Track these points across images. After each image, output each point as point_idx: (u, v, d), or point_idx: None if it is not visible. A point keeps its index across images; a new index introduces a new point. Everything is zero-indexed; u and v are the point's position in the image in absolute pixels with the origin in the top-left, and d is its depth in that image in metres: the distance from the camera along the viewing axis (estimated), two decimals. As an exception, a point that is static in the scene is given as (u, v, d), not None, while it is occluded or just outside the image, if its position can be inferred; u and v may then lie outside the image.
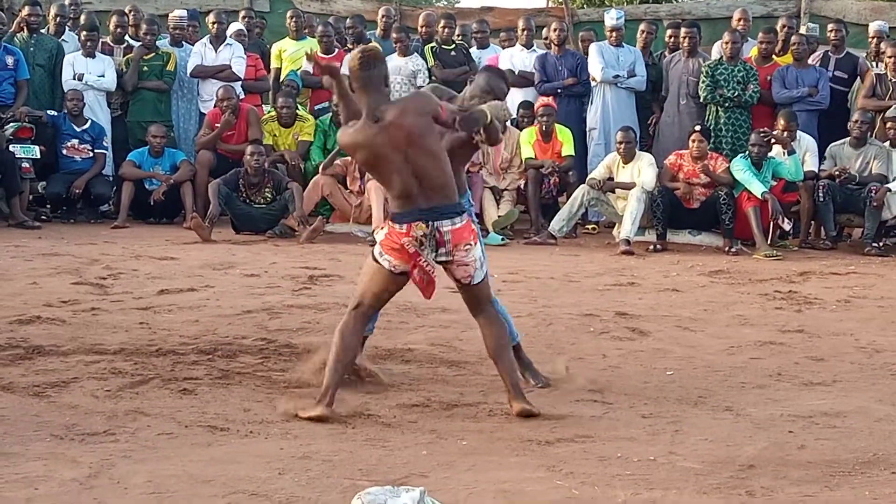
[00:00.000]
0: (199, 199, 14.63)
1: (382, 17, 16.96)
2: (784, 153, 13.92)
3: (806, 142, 14.31)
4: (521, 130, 14.99)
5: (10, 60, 15.00)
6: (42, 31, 15.74)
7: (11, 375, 7.39)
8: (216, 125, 15.05)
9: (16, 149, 14.37)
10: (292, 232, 13.88)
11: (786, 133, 13.96)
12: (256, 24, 17.34)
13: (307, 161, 15.04)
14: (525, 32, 16.15)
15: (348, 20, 16.82)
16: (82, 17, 16.34)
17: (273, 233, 13.85)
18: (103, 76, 15.31)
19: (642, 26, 16.31)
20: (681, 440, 6.38)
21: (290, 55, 16.29)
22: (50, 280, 10.62)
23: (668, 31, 16.11)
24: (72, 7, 16.82)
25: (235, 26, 16.29)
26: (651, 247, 13.71)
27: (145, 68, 15.54)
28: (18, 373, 7.47)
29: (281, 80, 16.08)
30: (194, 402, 6.97)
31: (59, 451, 6.05)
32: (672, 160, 14.11)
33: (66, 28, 16.16)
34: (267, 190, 14.16)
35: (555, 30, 16.01)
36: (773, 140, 13.95)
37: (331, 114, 15.09)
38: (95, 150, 14.96)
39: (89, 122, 14.97)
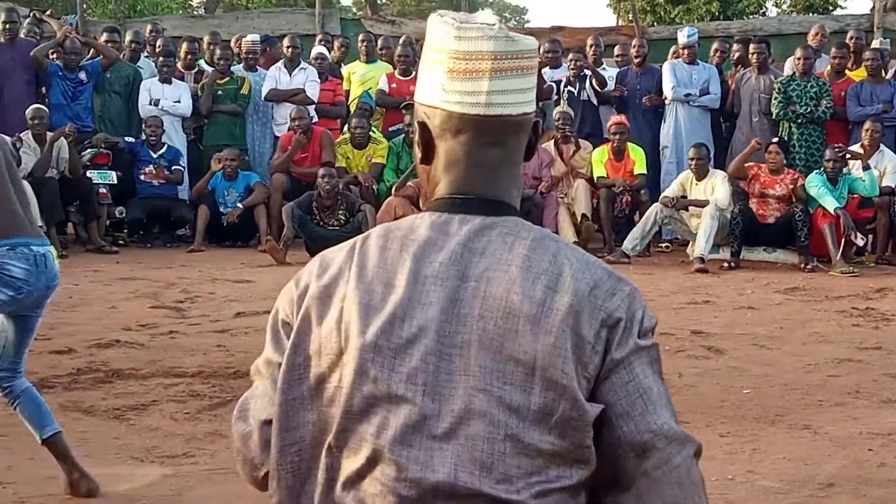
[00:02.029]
0: (273, 222, 14.73)
1: (453, 38, 16.99)
2: (859, 168, 13.81)
3: (888, 157, 14.18)
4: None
5: (83, 75, 15.23)
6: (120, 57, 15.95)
7: (92, 399, 7.49)
8: (290, 148, 15.16)
9: (93, 174, 14.55)
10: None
11: (871, 139, 13.87)
12: (342, 45, 17.36)
13: (380, 183, 15.11)
14: (594, 50, 16.16)
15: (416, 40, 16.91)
16: (159, 42, 16.52)
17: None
18: (179, 101, 15.47)
19: (715, 45, 16.26)
20: (759, 459, 6.34)
21: (360, 77, 16.40)
22: (128, 304, 10.74)
23: (735, 46, 16.06)
24: (152, 34, 17.02)
25: (317, 50, 16.37)
26: (726, 264, 13.63)
27: (220, 93, 15.69)
28: (99, 396, 7.56)
29: (350, 101, 16.18)
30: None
31: (139, 473, 6.12)
32: (750, 166, 14.02)
33: (142, 55, 16.33)
34: (340, 212, 14.23)
35: (634, 47, 16.00)
36: (847, 155, 13.85)
37: (403, 135, 15.17)
38: (172, 168, 15.09)
39: (165, 146, 15.13)
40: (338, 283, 2.23)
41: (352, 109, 16.04)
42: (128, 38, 16.48)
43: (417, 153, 2.33)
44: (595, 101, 15.64)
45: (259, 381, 2.36)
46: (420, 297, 2.17)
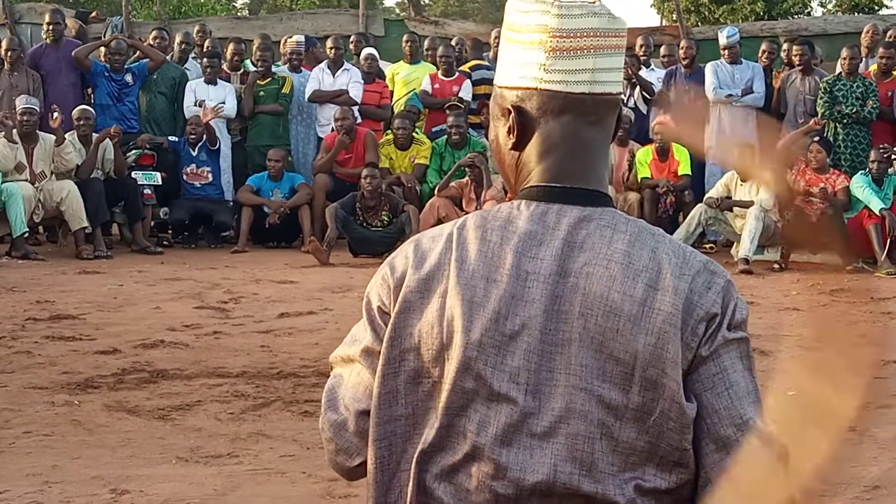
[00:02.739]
0: (316, 222, 14.75)
1: (495, 38, 17.02)
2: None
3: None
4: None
5: (129, 77, 15.34)
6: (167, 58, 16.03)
7: (137, 399, 7.53)
8: (333, 148, 15.18)
9: (137, 175, 14.62)
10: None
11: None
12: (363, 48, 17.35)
13: (423, 183, 15.12)
14: (643, 50, 16.14)
15: (454, 40, 16.92)
16: (206, 43, 16.57)
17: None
18: (224, 103, 15.52)
19: (763, 46, 16.16)
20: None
21: (404, 78, 16.41)
22: (173, 304, 10.79)
23: (785, 46, 15.98)
24: (199, 34, 17.08)
25: (367, 51, 16.34)
26: (776, 265, 13.54)
27: (262, 93, 15.72)
28: (144, 396, 7.60)
29: (394, 102, 16.20)
30: (315, 425, 7.02)
31: (184, 473, 6.15)
32: (798, 163, 13.94)
33: (190, 56, 16.39)
34: (383, 213, 14.25)
35: (682, 48, 15.93)
36: (893, 156, 13.75)
37: (446, 136, 15.17)
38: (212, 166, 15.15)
39: (204, 145, 15.12)
40: (438, 275, 2.21)
41: (395, 110, 16.05)
42: (178, 39, 16.55)
43: (507, 141, 2.28)
44: (644, 109, 15.59)
45: (348, 370, 2.34)
46: (522, 293, 2.15)
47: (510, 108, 2.26)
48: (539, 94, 2.23)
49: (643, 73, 15.90)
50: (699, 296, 2.14)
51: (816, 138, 14.02)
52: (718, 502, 2.13)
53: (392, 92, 16.45)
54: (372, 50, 16.44)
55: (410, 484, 2.19)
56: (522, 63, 2.25)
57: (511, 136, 2.27)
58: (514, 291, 2.16)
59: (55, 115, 13.94)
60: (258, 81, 15.76)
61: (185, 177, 15.09)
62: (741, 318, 2.19)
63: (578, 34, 2.20)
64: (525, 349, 2.14)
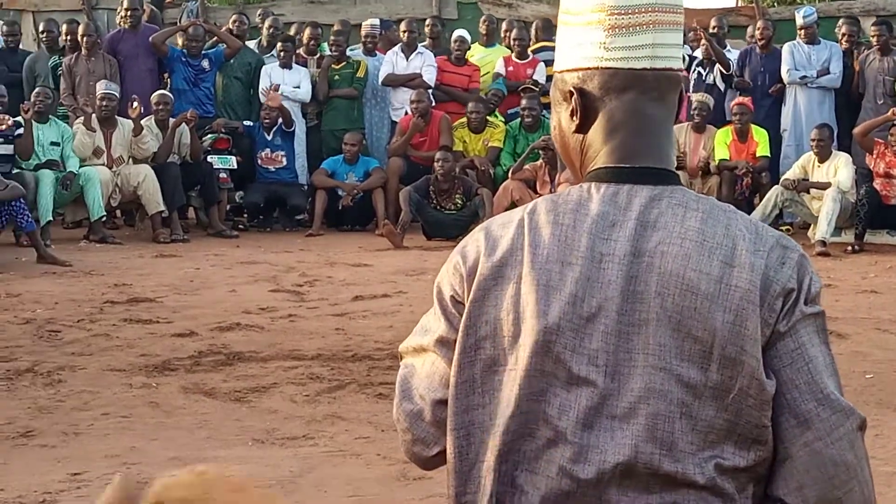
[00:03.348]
0: (390, 206, 14.78)
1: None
2: None
3: None
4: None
5: (205, 63, 15.45)
6: (248, 43, 16.10)
7: (213, 381, 7.59)
8: (407, 131, 15.19)
9: (213, 160, 14.72)
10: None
11: None
12: (438, 31, 17.27)
13: (497, 166, 15.10)
14: (718, 31, 16.00)
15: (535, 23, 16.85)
16: (267, 23, 16.60)
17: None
18: (299, 87, 15.57)
19: (844, 28, 15.91)
20: (881, 444, 6.25)
21: (478, 61, 16.31)
22: (248, 288, 10.86)
23: (871, 28, 15.76)
24: (269, 27, 17.07)
25: (458, 33, 16.23)
26: (850, 248, 13.42)
27: (336, 77, 15.74)
28: (220, 378, 7.66)
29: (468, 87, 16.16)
30: (390, 407, 7.03)
31: (260, 454, 6.20)
32: (878, 142, 13.77)
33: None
34: (457, 196, 14.25)
35: (759, 28, 15.77)
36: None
37: (520, 119, 15.14)
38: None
39: (279, 129, 15.17)
40: (511, 261, 2.20)
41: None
42: (266, 23, 16.62)
43: (570, 124, 2.28)
44: (721, 87, 15.46)
45: (420, 360, 2.34)
46: (598, 275, 2.14)
47: (572, 89, 2.25)
48: (601, 72, 2.23)
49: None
50: (775, 271, 2.13)
51: (897, 118, 13.84)
52: (800, 477, 2.12)
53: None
54: (463, 32, 16.27)
55: (491, 473, 2.18)
56: (582, 44, 2.24)
57: (574, 118, 2.26)
58: (590, 274, 2.14)
59: (134, 104, 14.08)
60: (333, 66, 15.78)
61: (259, 161, 15.17)
62: (816, 292, 2.18)
63: (637, 10, 2.20)
64: (603, 331, 2.13)
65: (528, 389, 2.15)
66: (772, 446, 2.14)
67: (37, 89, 14.15)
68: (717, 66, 15.34)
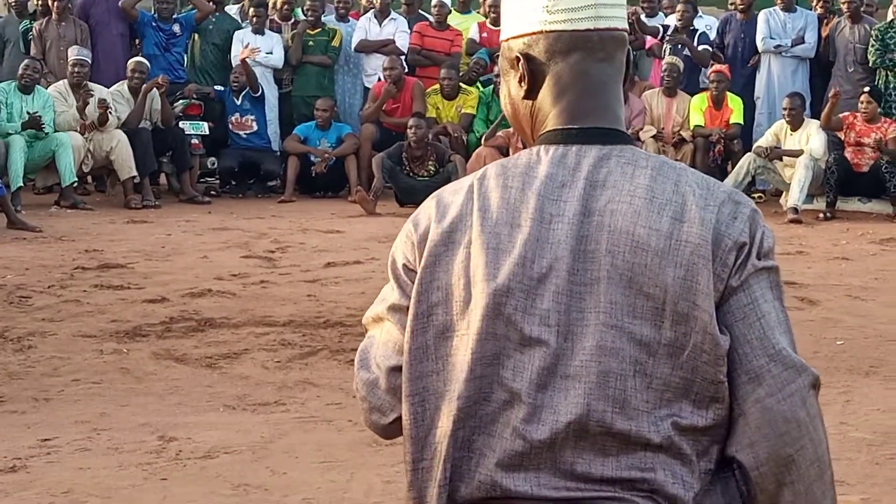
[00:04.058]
0: (363, 172, 14.74)
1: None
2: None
3: None
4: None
5: (176, 28, 15.36)
6: (229, 10, 15.99)
7: (185, 347, 7.57)
8: (379, 98, 15.14)
9: (185, 125, 14.65)
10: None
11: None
12: None
13: (470, 133, 15.08)
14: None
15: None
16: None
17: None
18: (271, 53, 15.49)
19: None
20: (852, 410, 6.28)
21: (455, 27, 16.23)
22: (220, 254, 10.83)
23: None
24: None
25: None
26: (821, 215, 13.46)
27: (311, 43, 15.65)
28: (191, 345, 7.65)
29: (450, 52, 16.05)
30: (362, 373, 7.05)
31: (231, 420, 6.19)
32: (846, 116, 13.79)
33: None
34: (430, 163, 14.22)
35: None
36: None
37: (493, 85, 15.11)
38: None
39: (247, 94, 15.08)
40: (461, 227, 2.20)
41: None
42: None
43: (518, 91, 2.29)
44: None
45: (378, 329, 2.34)
46: (547, 236, 2.15)
47: (518, 55, 2.27)
48: (545, 36, 2.24)
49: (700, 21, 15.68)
50: (726, 226, 2.12)
51: (867, 88, 13.85)
52: (752, 434, 2.11)
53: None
54: None
55: (446, 439, 2.17)
56: (526, 10, 2.26)
57: (522, 84, 2.27)
58: (539, 234, 2.15)
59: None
60: (308, 31, 15.68)
61: (230, 126, 15.11)
62: (769, 247, 2.17)
63: None
64: (554, 291, 2.13)
65: (481, 353, 2.15)
66: (728, 404, 2.13)
67: (25, 62, 13.93)
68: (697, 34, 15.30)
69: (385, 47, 15.64)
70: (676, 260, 2.09)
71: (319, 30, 15.70)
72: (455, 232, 2.21)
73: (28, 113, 13.33)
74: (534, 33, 2.25)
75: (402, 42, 15.70)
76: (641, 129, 14.56)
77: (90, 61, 14.15)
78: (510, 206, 2.18)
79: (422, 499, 2.21)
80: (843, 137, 13.84)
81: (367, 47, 15.79)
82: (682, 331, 2.09)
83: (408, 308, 2.23)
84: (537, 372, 2.12)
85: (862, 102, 13.66)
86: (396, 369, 2.26)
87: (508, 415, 2.13)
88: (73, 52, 14.04)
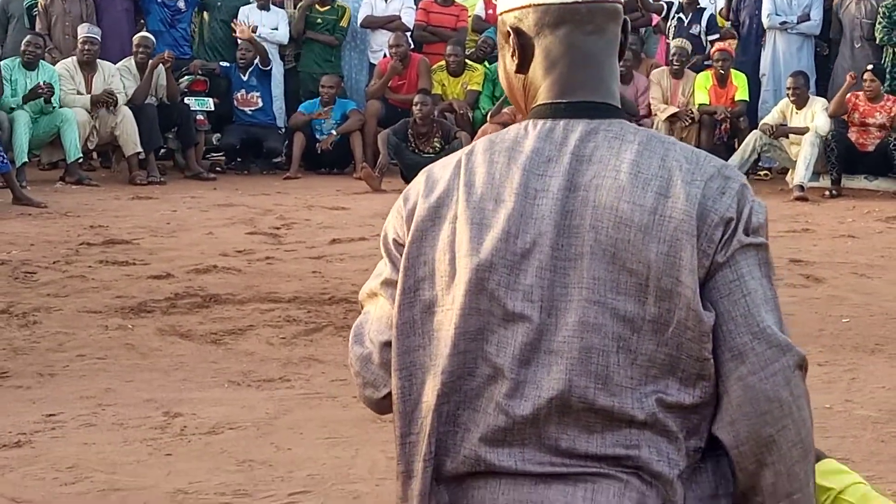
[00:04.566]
0: (368, 149, 14.72)
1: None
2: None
3: None
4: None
5: (181, 3, 15.30)
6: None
7: (190, 323, 7.57)
8: (385, 74, 15.11)
9: (190, 101, 14.63)
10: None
11: None
12: None
13: (475, 110, 15.05)
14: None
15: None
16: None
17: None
18: (276, 29, 15.46)
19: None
20: (858, 388, 6.27)
21: (461, 3, 16.19)
22: (225, 230, 10.82)
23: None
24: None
25: None
26: (826, 192, 13.43)
27: (319, 20, 15.61)
28: (196, 321, 7.64)
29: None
30: (367, 349, 7.05)
31: (236, 396, 6.19)
32: (848, 98, 13.75)
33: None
34: (436, 139, 14.19)
35: None
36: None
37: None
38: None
39: (255, 69, 15.05)
40: (447, 202, 2.20)
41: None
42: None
43: (511, 65, 2.28)
44: (704, 39, 15.35)
45: (372, 304, 2.35)
46: (532, 211, 2.14)
47: (509, 30, 2.26)
48: (534, 9, 2.23)
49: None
50: (713, 201, 2.10)
51: (870, 67, 13.80)
52: (733, 412, 2.09)
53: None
54: None
55: (431, 413, 2.17)
56: None
57: (514, 58, 2.27)
58: (523, 209, 2.14)
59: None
60: (317, 6, 15.60)
61: (235, 102, 15.09)
62: (758, 223, 2.14)
63: None
64: (537, 266, 2.12)
65: (465, 328, 2.15)
66: (715, 381, 2.11)
67: (27, 37, 13.89)
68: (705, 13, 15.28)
69: (391, 23, 15.59)
70: (660, 235, 2.08)
71: (329, 7, 15.63)
72: (441, 207, 2.21)
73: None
74: (524, 7, 2.24)
75: (408, 18, 15.65)
76: (650, 108, 14.51)
77: (100, 39, 14.12)
78: (495, 181, 2.17)
79: (409, 472, 2.21)
80: (847, 119, 13.80)
81: (373, 23, 15.74)
82: (666, 307, 2.07)
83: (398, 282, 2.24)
84: (520, 347, 2.11)
85: (865, 81, 13.61)
86: (389, 344, 2.26)
87: (492, 390, 2.13)
88: (84, 30, 14.01)
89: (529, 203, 2.14)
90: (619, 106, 2.24)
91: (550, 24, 2.22)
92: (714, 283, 2.10)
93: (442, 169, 2.26)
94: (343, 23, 15.62)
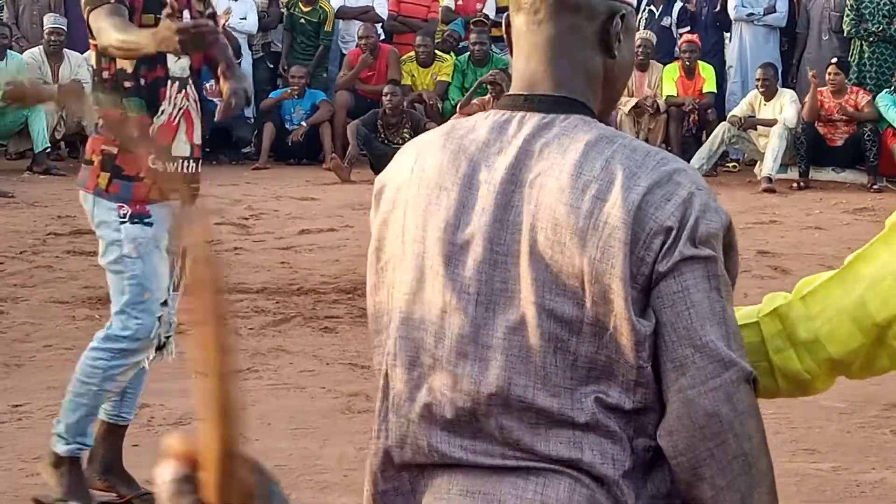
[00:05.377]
0: (337, 139, 14.70)
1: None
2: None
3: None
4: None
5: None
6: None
7: (157, 313, 7.53)
8: (356, 66, 15.09)
9: (158, 91, 14.55)
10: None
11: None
12: None
13: (445, 100, 15.04)
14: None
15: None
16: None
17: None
18: (245, 18, 15.40)
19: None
20: (825, 381, 6.29)
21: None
22: (194, 220, 10.76)
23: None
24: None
25: None
26: (794, 184, 13.48)
27: (302, 21, 15.55)
28: (164, 311, 7.60)
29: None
30: (335, 341, 7.05)
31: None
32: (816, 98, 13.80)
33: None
34: (405, 130, 14.17)
35: None
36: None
37: (469, 53, 15.06)
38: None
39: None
40: (404, 186, 2.20)
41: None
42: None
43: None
44: (675, 30, 15.34)
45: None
46: (473, 202, 2.11)
47: (506, 16, 2.27)
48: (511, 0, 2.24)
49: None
50: (655, 208, 2.03)
51: (834, 60, 13.83)
52: (672, 422, 2.05)
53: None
54: None
55: (387, 401, 2.19)
56: None
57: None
58: (465, 200, 2.12)
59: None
60: (300, 6, 15.51)
61: (204, 93, 14.99)
62: (706, 232, 2.05)
63: None
64: (475, 259, 2.09)
65: (409, 316, 2.14)
66: (656, 389, 2.07)
67: (-7, 28, 13.89)
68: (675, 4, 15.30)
69: (365, 14, 15.56)
70: (594, 241, 2.02)
71: (311, 8, 15.51)
72: (400, 191, 2.20)
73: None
74: None
75: (382, 9, 15.63)
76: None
77: (66, 29, 14.04)
78: (442, 168, 2.15)
79: (372, 466, 2.22)
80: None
81: (347, 14, 15.71)
82: (603, 311, 2.03)
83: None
84: (457, 340, 2.10)
85: (829, 74, 13.64)
86: None
87: (434, 381, 2.12)
88: (50, 21, 13.95)
89: (472, 194, 2.11)
90: (583, 100, 2.18)
91: (513, 13, 2.22)
92: (658, 293, 2.04)
93: (405, 153, 2.27)
94: (328, 27, 15.54)
